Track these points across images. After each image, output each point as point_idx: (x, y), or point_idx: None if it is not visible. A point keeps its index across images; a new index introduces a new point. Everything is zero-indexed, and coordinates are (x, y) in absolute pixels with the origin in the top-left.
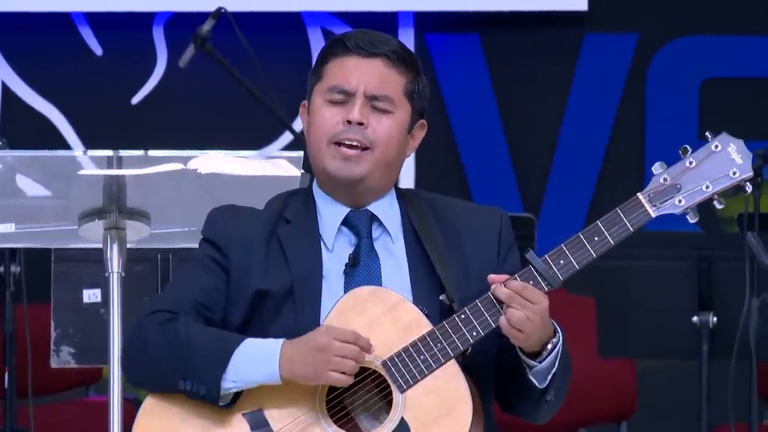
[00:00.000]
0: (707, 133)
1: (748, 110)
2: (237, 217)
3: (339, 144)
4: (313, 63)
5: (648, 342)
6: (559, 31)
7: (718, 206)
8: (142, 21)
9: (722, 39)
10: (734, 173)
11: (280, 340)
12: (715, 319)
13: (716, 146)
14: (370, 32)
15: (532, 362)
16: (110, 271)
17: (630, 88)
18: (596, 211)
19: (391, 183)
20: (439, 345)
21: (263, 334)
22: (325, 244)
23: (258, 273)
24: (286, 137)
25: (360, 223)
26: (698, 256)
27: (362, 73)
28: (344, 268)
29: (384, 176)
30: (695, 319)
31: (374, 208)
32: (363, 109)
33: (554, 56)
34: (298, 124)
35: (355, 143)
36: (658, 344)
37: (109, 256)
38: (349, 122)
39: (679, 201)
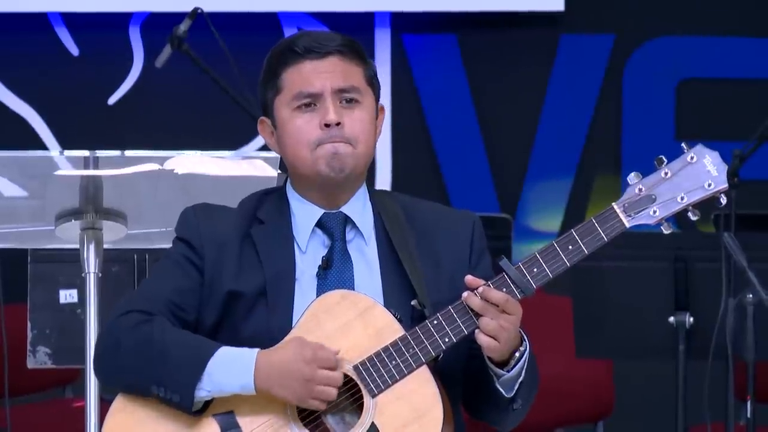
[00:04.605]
0: (683, 144)
1: (724, 111)
2: (211, 216)
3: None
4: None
5: (625, 342)
6: (535, 31)
7: (693, 218)
8: (119, 21)
9: (698, 40)
10: (709, 185)
11: (255, 351)
12: (691, 319)
13: (692, 157)
14: (312, 33)
15: (500, 371)
16: (87, 271)
17: (606, 89)
18: (573, 211)
19: (365, 174)
20: (411, 350)
21: (235, 334)
22: (298, 246)
23: (231, 274)
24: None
25: (334, 225)
26: (675, 256)
27: (322, 73)
28: (317, 270)
29: (364, 168)
30: (672, 319)
31: (348, 209)
32: (336, 107)
33: (531, 57)
34: None
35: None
36: (635, 344)
37: (85, 256)
38: (326, 125)
39: (654, 212)
